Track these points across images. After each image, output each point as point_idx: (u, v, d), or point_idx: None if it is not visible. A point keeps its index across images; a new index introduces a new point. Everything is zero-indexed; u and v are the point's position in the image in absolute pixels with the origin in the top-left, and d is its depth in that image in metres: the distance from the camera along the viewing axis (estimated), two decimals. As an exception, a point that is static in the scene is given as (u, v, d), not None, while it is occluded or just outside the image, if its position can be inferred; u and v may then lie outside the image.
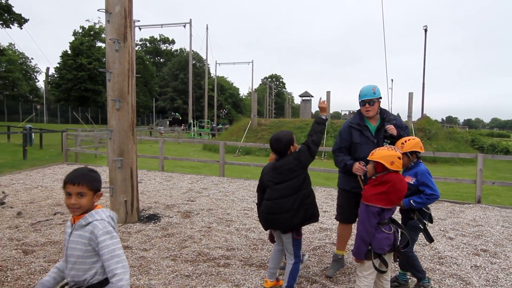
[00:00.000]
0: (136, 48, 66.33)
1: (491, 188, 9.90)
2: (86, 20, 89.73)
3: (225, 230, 5.09)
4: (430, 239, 3.32)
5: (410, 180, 3.26)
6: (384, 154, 2.75)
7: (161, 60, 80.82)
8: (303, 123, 22.82)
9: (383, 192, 2.69)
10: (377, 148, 2.89)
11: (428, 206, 3.35)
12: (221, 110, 56.67)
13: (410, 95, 20.30)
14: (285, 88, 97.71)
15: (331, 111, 22.21)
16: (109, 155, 5.42)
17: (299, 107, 44.01)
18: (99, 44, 56.33)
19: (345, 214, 3.76)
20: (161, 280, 3.48)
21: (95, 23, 57.86)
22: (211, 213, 6.04)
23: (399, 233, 2.87)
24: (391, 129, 3.46)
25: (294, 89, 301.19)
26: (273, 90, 55.38)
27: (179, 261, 3.93)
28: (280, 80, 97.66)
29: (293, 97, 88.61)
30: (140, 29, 36.55)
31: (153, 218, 5.59)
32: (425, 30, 28.38)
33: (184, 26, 37.66)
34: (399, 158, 2.77)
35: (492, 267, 4.06)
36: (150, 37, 78.07)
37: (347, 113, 45.91)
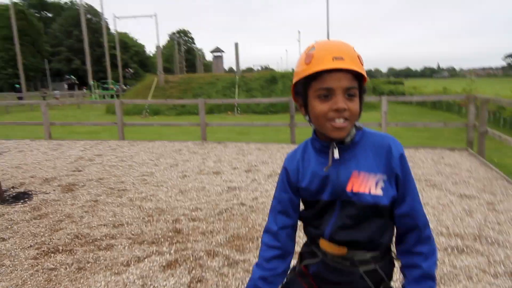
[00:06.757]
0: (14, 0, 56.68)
1: (395, 129, 10.35)
2: None
3: (115, 202, 4.25)
4: None
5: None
6: None
7: (49, 15, 70.76)
8: (213, 78, 21.82)
9: None
10: None
11: None
12: (126, 70, 52.24)
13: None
14: (195, 44, 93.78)
15: (243, 67, 21.47)
16: None
17: (211, 63, 42.43)
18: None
19: None
20: (12, 280, 2.59)
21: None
22: (101, 183, 5.10)
23: None
24: None
25: (204, 44, 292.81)
26: (181, 46, 52.46)
27: (45, 250, 3.05)
28: (189, 35, 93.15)
29: (204, 53, 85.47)
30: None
31: (22, 197, 4.49)
32: (329, -20, 28.49)
33: (71, -27, 32.76)
34: None
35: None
36: (32, -13, 67.33)
37: (259, 68, 45.66)
